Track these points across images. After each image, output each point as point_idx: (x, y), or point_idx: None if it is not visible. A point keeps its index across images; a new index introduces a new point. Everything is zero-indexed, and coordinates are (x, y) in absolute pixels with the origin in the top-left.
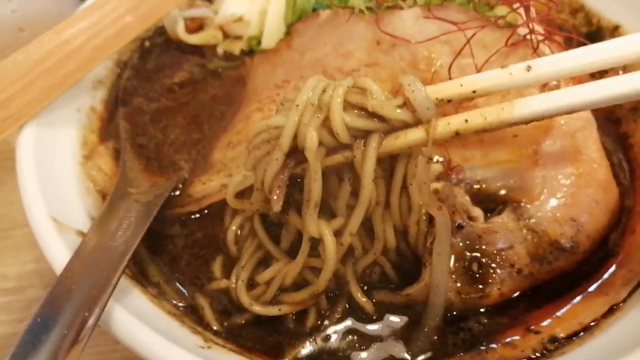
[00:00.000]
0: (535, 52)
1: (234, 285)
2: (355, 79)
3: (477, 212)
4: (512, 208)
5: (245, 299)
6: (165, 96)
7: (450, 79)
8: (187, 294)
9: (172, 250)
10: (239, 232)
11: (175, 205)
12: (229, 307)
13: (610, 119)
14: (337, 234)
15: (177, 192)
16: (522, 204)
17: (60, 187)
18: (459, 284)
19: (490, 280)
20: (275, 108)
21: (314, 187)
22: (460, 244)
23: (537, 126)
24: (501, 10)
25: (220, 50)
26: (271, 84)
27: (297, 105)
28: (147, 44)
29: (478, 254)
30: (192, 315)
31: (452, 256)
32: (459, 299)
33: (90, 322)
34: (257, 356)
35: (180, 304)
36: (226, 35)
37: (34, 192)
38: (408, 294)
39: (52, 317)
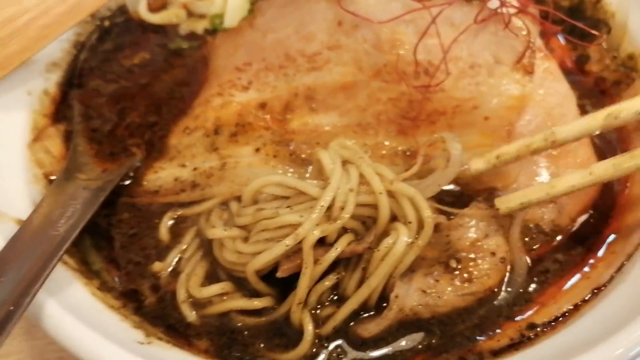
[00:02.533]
0: (507, 27)
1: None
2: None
3: (440, 218)
4: (484, 197)
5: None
6: (123, 77)
7: (415, 61)
8: (127, 283)
9: (116, 238)
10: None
11: (125, 194)
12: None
13: (594, 92)
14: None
15: (129, 181)
16: (497, 190)
17: (2, 173)
18: (449, 288)
19: (475, 273)
20: (235, 93)
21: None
22: (431, 252)
23: (510, 106)
24: None
25: (183, 29)
26: (232, 66)
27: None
28: (106, 23)
29: (452, 252)
30: (133, 305)
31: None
32: (460, 300)
33: (15, 317)
34: (203, 353)
35: (120, 291)
36: (190, 14)
37: None
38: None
39: None
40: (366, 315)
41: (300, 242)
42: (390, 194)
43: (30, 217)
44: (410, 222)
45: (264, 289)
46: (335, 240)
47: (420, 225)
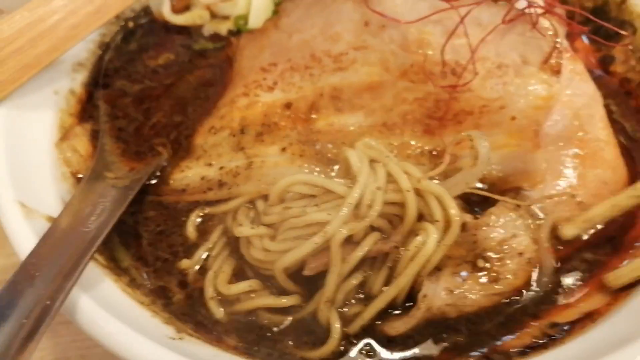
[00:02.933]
0: (535, 27)
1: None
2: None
3: (467, 217)
4: (511, 196)
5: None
6: (148, 78)
7: (443, 61)
8: (156, 280)
9: (144, 235)
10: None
11: (152, 192)
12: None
13: (619, 92)
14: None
15: (155, 180)
16: (523, 190)
17: (32, 171)
18: (477, 288)
19: (502, 273)
20: (261, 93)
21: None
22: (458, 250)
23: (537, 106)
24: None
25: (206, 30)
26: (257, 66)
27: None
28: (130, 24)
29: (479, 252)
30: (162, 302)
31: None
32: (487, 300)
33: (53, 311)
34: (232, 349)
35: (149, 288)
36: (213, 15)
37: (3, 177)
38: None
39: (10, 305)
40: (393, 313)
41: (328, 240)
42: (418, 192)
43: (61, 214)
44: (437, 221)
45: (291, 287)
46: (363, 239)
47: (447, 224)
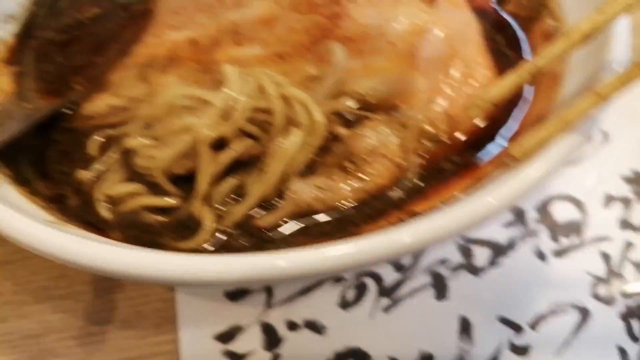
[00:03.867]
0: None
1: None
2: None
3: (341, 130)
4: (385, 112)
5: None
6: (76, 29)
7: None
8: (54, 189)
9: (48, 154)
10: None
11: (63, 120)
12: None
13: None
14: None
15: (70, 111)
16: (401, 109)
17: None
18: (343, 185)
19: (368, 173)
20: (169, 32)
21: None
22: (331, 158)
23: (412, 32)
24: None
25: None
26: (170, 10)
27: None
28: None
29: (350, 157)
30: (57, 206)
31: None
32: (353, 195)
33: None
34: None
35: (47, 195)
36: None
37: None
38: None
39: None
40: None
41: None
42: (285, 100)
43: None
44: (302, 124)
45: (173, 190)
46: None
47: (314, 129)
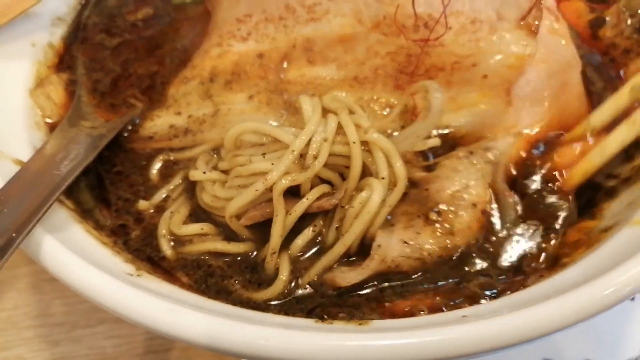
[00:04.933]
0: None
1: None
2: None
3: (418, 173)
4: (468, 148)
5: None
6: (127, 32)
7: (415, 13)
8: (116, 219)
9: (108, 178)
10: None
11: (122, 140)
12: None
13: (603, 60)
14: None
15: (127, 133)
16: (485, 140)
17: (4, 118)
18: (431, 240)
19: (456, 225)
20: (234, 43)
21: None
22: (412, 206)
23: (510, 65)
24: None
25: None
26: (233, 17)
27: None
28: None
29: (432, 205)
30: (122, 240)
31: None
32: (441, 252)
33: (16, 243)
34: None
35: (111, 228)
36: None
37: None
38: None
39: None
40: (346, 261)
41: (269, 188)
42: (365, 145)
43: (34, 156)
44: (382, 178)
45: (244, 234)
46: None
47: (394, 181)
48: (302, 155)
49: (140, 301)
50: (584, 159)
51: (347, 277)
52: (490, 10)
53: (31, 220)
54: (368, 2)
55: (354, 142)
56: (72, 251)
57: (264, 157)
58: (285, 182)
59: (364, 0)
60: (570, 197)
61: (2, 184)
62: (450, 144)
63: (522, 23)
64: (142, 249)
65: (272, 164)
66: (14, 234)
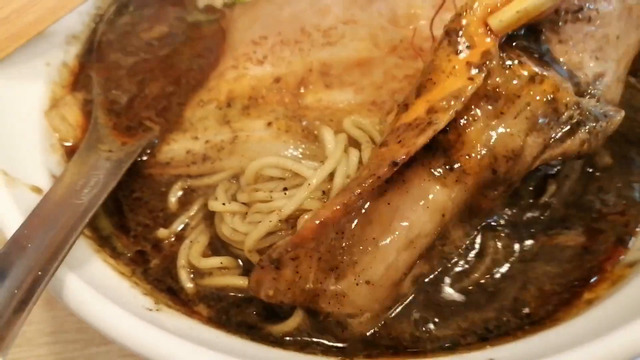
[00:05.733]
0: None
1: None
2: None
3: None
4: None
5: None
6: (142, 50)
7: (432, 36)
8: (134, 245)
9: (126, 204)
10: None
11: (142, 166)
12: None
13: None
14: None
15: (147, 154)
16: None
17: (18, 141)
18: None
19: None
20: (250, 66)
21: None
22: None
23: None
24: None
25: (201, 2)
26: (248, 39)
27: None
28: None
29: None
30: (140, 269)
31: None
32: None
33: (44, 282)
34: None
35: (129, 256)
36: None
37: None
38: None
39: (2, 275)
40: None
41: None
42: None
43: (54, 186)
44: None
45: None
46: None
47: None
48: (325, 192)
49: (162, 343)
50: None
51: (365, 326)
52: None
53: (57, 257)
54: (384, 26)
55: None
56: (91, 286)
57: (285, 193)
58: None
59: (380, 24)
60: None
61: (19, 215)
62: None
63: None
64: (162, 279)
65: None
66: (39, 272)
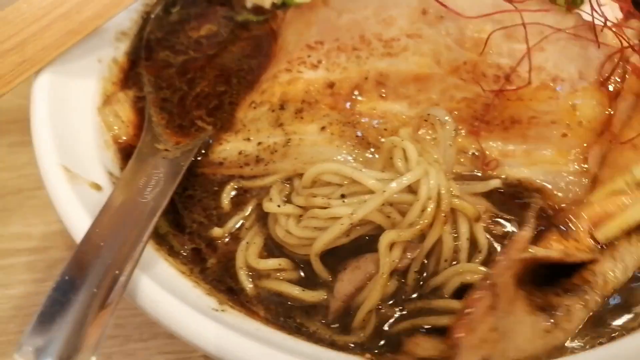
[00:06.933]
0: (600, 41)
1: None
2: None
3: None
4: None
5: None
6: (191, 49)
7: (498, 64)
8: (190, 243)
9: (180, 202)
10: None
11: (194, 165)
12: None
13: None
14: None
15: (200, 154)
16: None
17: (75, 137)
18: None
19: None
20: (304, 70)
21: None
22: None
23: (589, 128)
24: None
25: (249, 2)
26: (303, 43)
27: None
28: None
29: None
30: (198, 269)
31: None
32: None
33: (122, 280)
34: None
35: (185, 255)
36: None
37: (46, 140)
38: None
39: (80, 275)
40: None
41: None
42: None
43: (117, 185)
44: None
45: (324, 275)
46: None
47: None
48: (392, 204)
49: (238, 345)
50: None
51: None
52: (573, 68)
53: (132, 257)
54: (450, 46)
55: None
56: (161, 286)
57: (343, 201)
58: (392, 236)
59: (445, 42)
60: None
61: (85, 213)
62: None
63: (604, 84)
64: (221, 279)
65: (352, 211)
66: (117, 272)
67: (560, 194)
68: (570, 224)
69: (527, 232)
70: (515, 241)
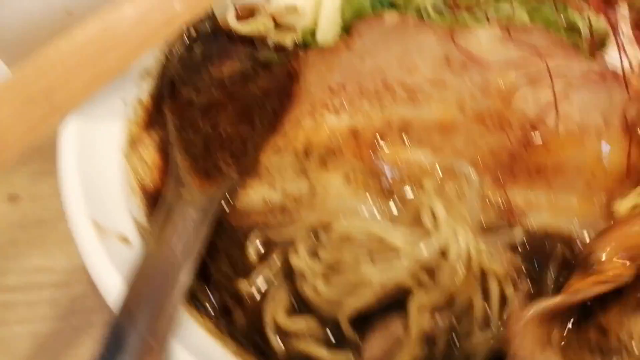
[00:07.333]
0: (627, 88)
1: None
2: None
3: None
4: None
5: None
6: (214, 88)
7: (524, 113)
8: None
9: (209, 254)
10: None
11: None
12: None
13: None
14: None
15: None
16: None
17: (103, 185)
18: None
19: None
20: (327, 114)
21: None
22: None
23: (615, 178)
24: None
25: (270, 41)
26: (326, 86)
27: None
28: (193, 32)
29: None
30: (224, 324)
31: None
32: None
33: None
34: None
35: (212, 311)
36: (277, 25)
37: (76, 192)
38: None
39: (119, 348)
40: None
41: None
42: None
43: (148, 240)
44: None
45: (351, 337)
46: None
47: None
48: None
49: None
50: None
51: None
52: (598, 115)
53: (168, 328)
54: (474, 94)
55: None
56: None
57: (372, 262)
58: (422, 299)
59: (470, 91)
60: None
61: (117, 274)
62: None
63: (628, 131)
64: (249, 337)
65: (382, 274)
66: (152, 344)
67: (586, 241)
68: (590, 259)
69: (520, 293)
70: (511, 310)
